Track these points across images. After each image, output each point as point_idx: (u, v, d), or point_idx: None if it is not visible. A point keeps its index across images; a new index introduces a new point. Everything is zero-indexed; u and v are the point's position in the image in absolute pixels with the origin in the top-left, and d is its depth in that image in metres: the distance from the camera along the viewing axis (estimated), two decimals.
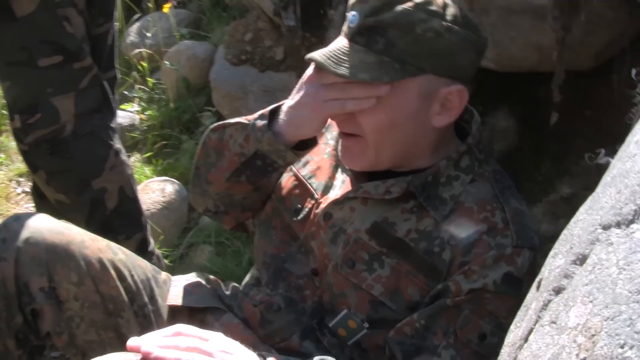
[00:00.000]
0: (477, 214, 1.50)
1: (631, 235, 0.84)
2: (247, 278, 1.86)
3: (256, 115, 1.59)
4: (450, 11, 1.48)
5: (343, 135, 1.60)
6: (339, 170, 1.68)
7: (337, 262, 1.55)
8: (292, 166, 1.70)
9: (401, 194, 1.52)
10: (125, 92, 3.96)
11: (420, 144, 1.56)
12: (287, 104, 1.57)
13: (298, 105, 1.53)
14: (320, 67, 1.49)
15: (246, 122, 1.61)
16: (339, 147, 1.65)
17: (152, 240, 2.63)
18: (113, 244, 1.76)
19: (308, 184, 1.68)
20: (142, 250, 2.50)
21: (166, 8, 3.93)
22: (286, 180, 1.72)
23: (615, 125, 1.82)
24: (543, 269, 1.07)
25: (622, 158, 0.99)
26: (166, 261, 2.86)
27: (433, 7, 1.46)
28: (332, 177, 1.68)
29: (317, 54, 1.49)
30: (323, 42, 2.92)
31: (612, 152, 1.06)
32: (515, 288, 1.42)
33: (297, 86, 1.57)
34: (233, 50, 3.33)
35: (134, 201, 2.53)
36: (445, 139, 1.58)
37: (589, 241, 0.91)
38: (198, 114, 3.61)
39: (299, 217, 1.66)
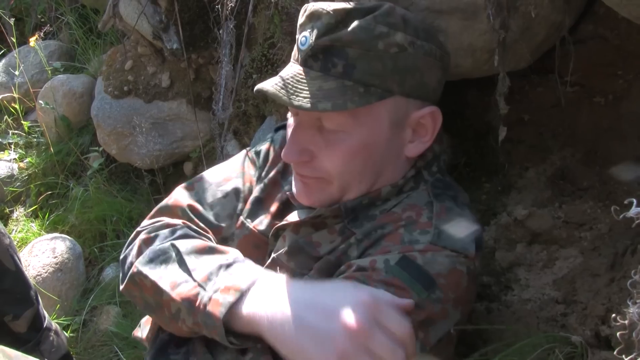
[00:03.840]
0: (400, 214, 1.33)
1: None
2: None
3: (200, 303, 1.21)
4: (411, 23, 1.31)
5: (300, 175, 1.39)
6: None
7: None
8: (247, 222, 1.50)
9: (329, 213, 1.37)
10: None
11: (392, 177, 1.39)
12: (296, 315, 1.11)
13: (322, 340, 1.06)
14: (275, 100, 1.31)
15: (193, 306, 1.22)
16: (293, 183, 1.43)
17: (46, 314, 2.32)
18: None
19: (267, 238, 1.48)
20: (35, 328, 2.25)
21: (32, 41, 3.53)
22: (245, 243, 1.49)
23: (560, 129, 1.63)
24: None
25: None
26: (67, 333, 2.52)
27: (393, 19, 1.29)
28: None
29: (268, 85, 1.31)
30: (212, 62, 2.65)
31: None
32: (415, 277, 1.20)
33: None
34: (113, 82, 2.99)
35: (17, 274, 2.21)
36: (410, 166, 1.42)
37: None
38: (83, 156, 3.25)
39: None
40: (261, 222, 1.48)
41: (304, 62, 1.32)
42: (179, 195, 1.54)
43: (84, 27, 3.74)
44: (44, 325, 2.27)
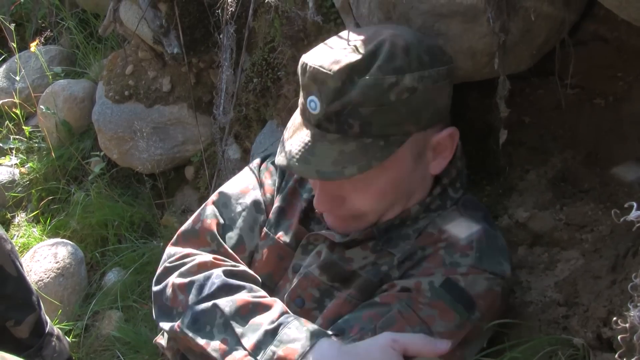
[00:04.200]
0: (438, 235, 1.38)
1: None
2: None
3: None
4: (414, 52, 1.29)
5: (335, 214, 1.44)
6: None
7: (287, 301, 1.42)
8: (271, 233, 1.53)
9: (362, 237, 1.42)
10: (0, 144, 3.56)
11: (421, 194, 1.44)
12: None
13: None
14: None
15: None
16: (325, 215, 1.47)
17: (48, 320, 2.32)
18: None
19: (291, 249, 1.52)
20: (37, 333, 2.26)
21: (33, 46, 3.54)
22: (269, 253, 1.52)
23: (560, 131, 1.63)
24: None
25: None
26: (69, 338, 2.52)
27: (397, 61, 1.27)
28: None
29: (289, 158, 1.31)
30: (212, 67, 2.66)
31: None
32: (457, 299, 1.28)
33: None
34: (114, 86, 3.00)
35: (19, 279, 2.21)
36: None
37: None
38: (84, 161, 3.25)
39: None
40: (285, 233, 1.51)
41: (318, 125, 1.32)
42: (205, 217, 1.55)
43: (85, 32, 3.74)
44: (46, 331, 2.27)
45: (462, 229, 1.37)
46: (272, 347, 1.25)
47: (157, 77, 2.92)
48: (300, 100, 1.36)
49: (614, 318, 0.97)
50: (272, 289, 1.48)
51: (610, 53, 1.57)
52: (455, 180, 1.45)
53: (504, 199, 1.68)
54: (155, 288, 1.49)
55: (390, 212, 1.41)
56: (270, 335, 1.27)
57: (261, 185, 1.59)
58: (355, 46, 1.30)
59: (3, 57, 3.95)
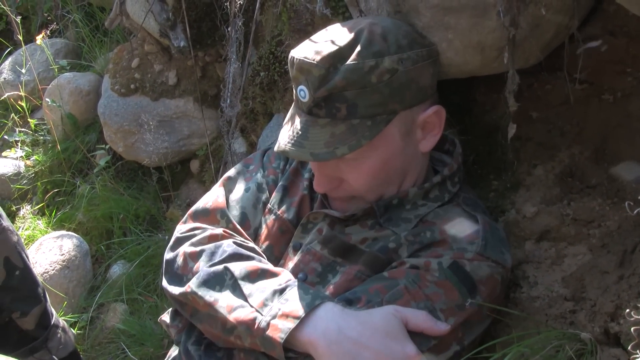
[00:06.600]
0: (440, 225, 1.45)
1: None
2: (173, 353, 1.62)
3: (261, 325, 1.32)
4: (392, 38, 1.39)
5: (335, 197, 1.53)
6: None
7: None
8: (275, 208, 1.60)
9: (361, 213, 1.48)
10: (5, 137, 3.60)
11: (416, 173, 1.52)
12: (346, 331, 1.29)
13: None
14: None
15: (250, 329, 1.33)
16: (330, 198, 1.56)
17: (54, 312, 2.32)
18: None
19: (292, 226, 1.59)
20: (43, 325, 2.25)
21: (39, 39, 3.54)
22: (271, 226, 1.59)
23: (568, 126, 1.63)
24: None
25: None
26: (74, 330, 2.53)
27: (376, 46, 1.37)
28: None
29: (285, 144, 1.41)
30: (219, 60, 2.65)
31: None
32: (462, 281, 1.35)
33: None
34: (120, 80, 2.99)
35: (25, 271, 2.20)
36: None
37: None
38: (90, 153, 3.26)
39: None
40: (287, 210, 1.58)
41: (310, 111, 1.41)
42: (216, 197, 1.63)
43: (91, 25, 3.74)
44: (52, 323, 2.26)
45: (460, 228, 1.43)
46: (278, 304, 1.33)
47: (163, 71, 2.92)
48: (294, 91, 1.45)
49: (627, 310, 0.97)
50: (272, 263, 1.53)
51: (619, 49, 1.57)
52: (454, 175, 1.53)
53: (511, 193, 1.68)
54: (167, 256, 1.56)
55: (388, 192, 1.49)
56: (278, 293, 1.35)
57: (264, 168, 1.67)
58: (336, 37, 1.40)
59: (9, 49, 3.95)
